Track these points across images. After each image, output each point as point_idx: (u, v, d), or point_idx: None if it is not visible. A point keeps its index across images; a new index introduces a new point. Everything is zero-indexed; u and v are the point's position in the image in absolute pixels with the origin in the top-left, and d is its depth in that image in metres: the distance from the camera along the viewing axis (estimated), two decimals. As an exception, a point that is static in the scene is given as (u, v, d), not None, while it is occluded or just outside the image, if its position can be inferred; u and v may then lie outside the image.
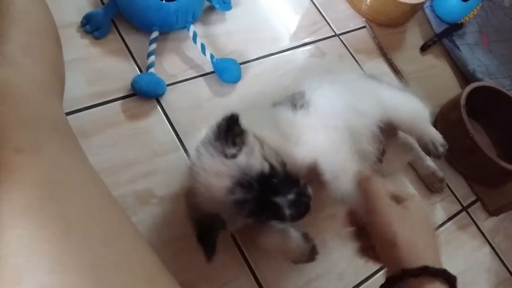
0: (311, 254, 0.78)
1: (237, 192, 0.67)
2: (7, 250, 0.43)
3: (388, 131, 0.92)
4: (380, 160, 0.91)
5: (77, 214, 0.48)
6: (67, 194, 0.49)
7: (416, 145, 1.07)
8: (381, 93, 0.92)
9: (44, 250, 0.43)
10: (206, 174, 0.68)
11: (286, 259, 0.80)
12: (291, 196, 0.68)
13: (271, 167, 0.70)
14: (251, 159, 0.69)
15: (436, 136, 0.91)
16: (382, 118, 0.89)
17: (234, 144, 0.68)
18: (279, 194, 0.68)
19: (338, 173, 0.73)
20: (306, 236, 0.78)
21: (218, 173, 0.68)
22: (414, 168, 1.09)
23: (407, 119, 0.92)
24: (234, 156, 0.68)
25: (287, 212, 0.68)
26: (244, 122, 0.70)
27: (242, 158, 0.68)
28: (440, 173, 1.06)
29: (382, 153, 0.92)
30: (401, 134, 0.99)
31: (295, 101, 0.82)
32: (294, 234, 0.77)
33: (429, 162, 1.08)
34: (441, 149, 0.91)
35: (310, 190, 0.70)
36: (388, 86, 0.97)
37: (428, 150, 0.91)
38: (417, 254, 0.59)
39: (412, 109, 0.93)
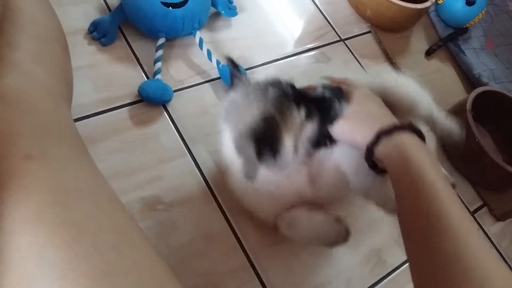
0: (345, 235, 0.78)
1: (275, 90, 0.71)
2: (17, 256, 0.43)
3: None
4: None
5: (86, 220, 0.48)
6: (77, 201, 0.49)
7: None
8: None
9: (54, 257, 0.43)
10: None
11: (323, 245, 0.81)
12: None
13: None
14: None
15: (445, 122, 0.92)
16: None
17: None
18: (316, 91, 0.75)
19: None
20: (337, 218, 0.79)
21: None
22: None
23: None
24: None
25: (328, 94, 0.74)
26: None
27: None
28: (451, 178, 1.05)
29: None
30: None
31: None
32: (326, 218, 0.78)
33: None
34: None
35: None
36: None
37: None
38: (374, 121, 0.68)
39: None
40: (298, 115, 0.72)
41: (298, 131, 0.72)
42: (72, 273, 0.43)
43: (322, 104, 0.73)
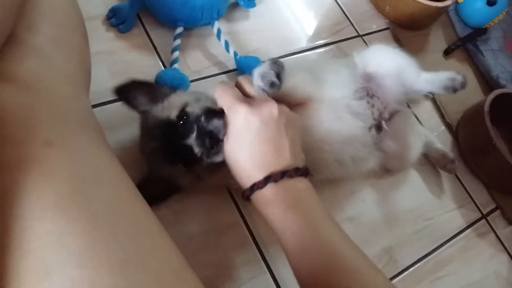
0: None
1: (148, 141, 0.73)
2: (37, 243, 0.43)
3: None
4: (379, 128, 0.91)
5: (105, 209, 0.48)
6: (96, 189, 0.49)
7: (425, 130, 1.06)
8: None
9: (74, 245, 0.43)
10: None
11: None
12: (193, 135, 0.68)
13: (183, 112, 0.70)
14: (160, 111, 0.72)
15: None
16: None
17: (150, 101, 0.75)
18: (185, 137, 0.68)
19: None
20: None
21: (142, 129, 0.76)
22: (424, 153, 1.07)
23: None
24: (144, 112, 0.75)
25: (197, 150, 0.68)
26: None
27: (153, 112, 0.73)
28: (450, 154, 1.05)
29: (379, 125, 0.91)
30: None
31: None
32: None
33: (438, 144, 1.07)
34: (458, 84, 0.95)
35: (217, 122, 0.67)
36: None
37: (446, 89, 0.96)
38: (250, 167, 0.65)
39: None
40: (176, 168, 0.72)
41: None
42: (91, 261, 0.43)
43: (189, 154, 0.69)
